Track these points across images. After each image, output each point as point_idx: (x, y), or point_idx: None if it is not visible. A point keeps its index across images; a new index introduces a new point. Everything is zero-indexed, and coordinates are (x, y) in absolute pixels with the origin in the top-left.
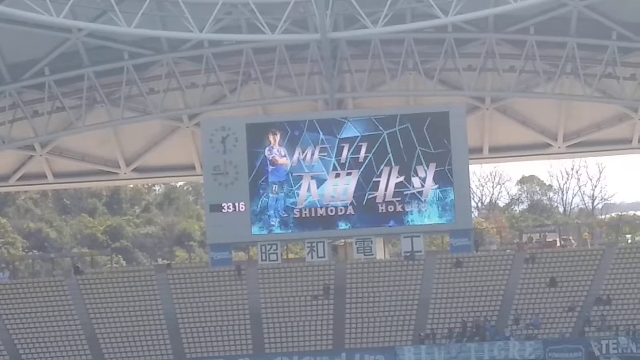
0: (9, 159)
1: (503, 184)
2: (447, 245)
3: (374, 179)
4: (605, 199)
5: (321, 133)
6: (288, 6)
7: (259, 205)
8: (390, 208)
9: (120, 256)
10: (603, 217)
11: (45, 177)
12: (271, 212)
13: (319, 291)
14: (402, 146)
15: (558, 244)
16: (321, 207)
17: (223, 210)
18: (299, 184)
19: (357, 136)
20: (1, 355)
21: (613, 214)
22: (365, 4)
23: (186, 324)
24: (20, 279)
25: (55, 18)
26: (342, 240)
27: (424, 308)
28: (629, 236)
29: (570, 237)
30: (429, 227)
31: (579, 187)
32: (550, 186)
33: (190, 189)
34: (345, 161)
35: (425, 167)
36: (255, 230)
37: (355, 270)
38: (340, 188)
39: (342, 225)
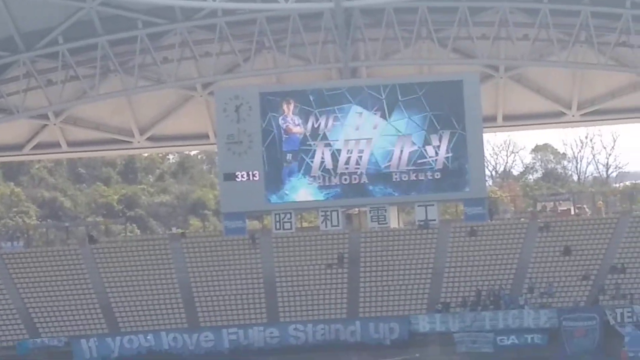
0: (23, 128)
1: (517, 152)
2: (461, 213)
3: (388, 148)
4: (619, 167)
5: (335, 101)
6: None
7: (272, 174)
8: (404, 177)
9: (134, 225)
10: (617, 185)
11: (59, 146)
12: (285, 180)
13: (333, 260)
14: (415, 115)
15: (572, 212)
16: (335, 176)
17: (237, 179)
18: (312, 153)
19: (371, 105)
20: (16, 324)
21: (627, 183)
22: None
23: (200, 292)
24: (34, 248)
25: None
26: (356, 209)
27: (438, 277)
28: None
29: (585, 206)
30: (442, 196)
31: (593, 156)
32: (564, 154)
33: (204, 157)
34: (359, 130)
35: (439, 136)
36: (269, 198)
37: (370, 239)
38: (354, 157)
39: (356, 193)
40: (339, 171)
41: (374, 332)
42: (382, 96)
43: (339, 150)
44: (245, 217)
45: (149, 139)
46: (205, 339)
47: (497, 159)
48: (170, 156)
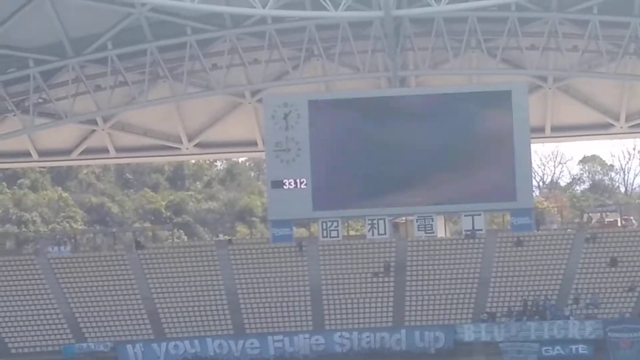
0: (72, 133)
1: (564, 163)
2: (508, 224)
3: (437, 156)
4: None
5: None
6: None
7: (320, 182)
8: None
9: (181, 231)
10: None
11: (108, 151)
12: (333, 188)
13: (380, 268)
14: (465, 125)
15: (619, 223)
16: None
17: (284, 187)
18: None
19: (420, 114)
20: (62, 329)
21: None
22: None
23: (247, 299)
24: (81, 253)
25: None
26: (403, 218)
27: (484, 286)
28: None
29: (632, 217)
30: (490, 206)
31: None
32: (611, 166)
33: (252, 164)
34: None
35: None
36: (315, 206)
37: (416, 247)
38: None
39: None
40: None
41: (419, 340)
42: (430, 106)
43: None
44: (292, 225)
45: (197, 145)
46: (251, 346)
47: (544, 169)
48: (218, 163)
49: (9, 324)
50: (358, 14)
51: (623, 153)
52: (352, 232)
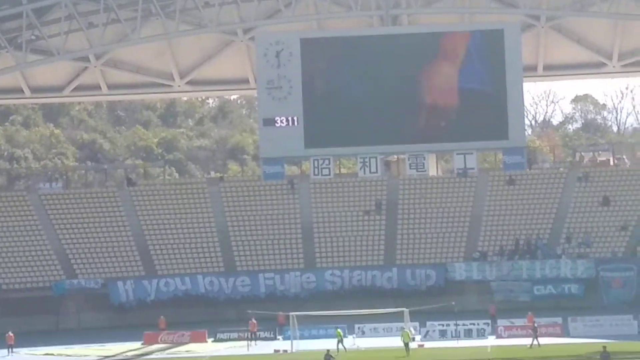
0: (64, 70)
1: (557, 102)
2: (500, 162)
3: (427, 96)
4: None
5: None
6: None
7: (312, 120)
8: (443, 124)
9: (173, 168)
10: None
11: (100, 88)
12: (325, 126)
13: (371, 206)
14: (457, 63)
15: (611, 162)
16: None
17: (276, 124)
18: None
19: (412, 53)
20: (53, 265)
21: None
22: None
23: (237, 237)
24: (73, 189)
25: None
26: (395, 156)
27: (476, 225)
28: None
29: (624, 156)
30: (482, 144)
31: (633, 107)
32: (604, 105)
33: (244, 102)
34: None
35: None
36: (307, 144)
37: (408, 186)
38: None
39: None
40: None
41: (410, 278)
42: (422, 44)
43: None
44: (283, 163)
45: (189, 83)
46: (242, 284)
47: (536, 108)
48: (210, 100)
49: (0, 259)
50: None
51: (615, 92)
52: (343, 170)
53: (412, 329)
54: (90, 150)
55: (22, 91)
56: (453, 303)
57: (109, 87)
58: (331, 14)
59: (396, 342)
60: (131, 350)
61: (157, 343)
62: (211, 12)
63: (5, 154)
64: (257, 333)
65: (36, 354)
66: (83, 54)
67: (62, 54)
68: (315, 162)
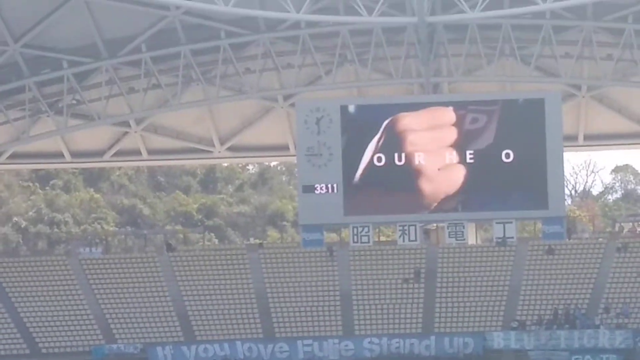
0: (104, 135)
1: (597, 172)
2: (539, 232)
3: (467, 163)
4: None
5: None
6: None
7: (351, 187)
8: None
9: (212, 234)
10: None
11: (140, 153)
12: (364, 194)
13: (410, 274)
14: (498, 132)
15: None
16: None
17: (316, 192)
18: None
19: (452, 121)
20: (92, 329)
21: None
22: None
23: (277, 303)
24: (112, 255)
25: None
26: (434, 225)
27: (515, 294)
28: None
29: None
30: (521, 213)
31: None
32: None
33: (284, 169)
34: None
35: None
36: (347, 211)
37: (447, 254)
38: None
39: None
40: None
41: (448, 346)
42: (462, 112)
43: None
44: (323, 230)
45: (229, 149)
46: (280, 350)
47: (576, 178)
48: (250, 167)
49: (40, 323)
50: (392, 20)
51: None
52: (382, 238)
53: None
54: (130, 215)
55: (62, 156)
56: None
57: (149, 152)
58: (372, 82)
59: None
60: None
61: None
62: (252, 78)
63: (46, 218)
64: None
65: None
66: (123, 119)
67: (102, 119)
68: (355, 229)
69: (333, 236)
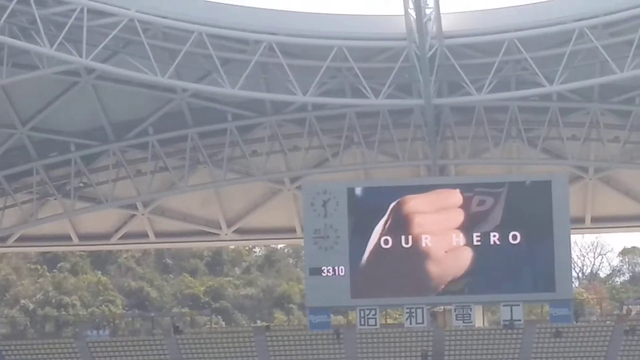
0: (112, 218)
1: (604, 254)
2: (547, 314)
3: (475, 245)
4: None
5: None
6: (392, 71)
7: (358, 270)
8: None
9: (219, 317)
10: None
11: (147, 236)
12: (371, 276)
13: (417, 357)
14: (505, 214)
15: None
16: None
17: (323, 274)
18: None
19: (458, 203)
20: None
21: None
22: (469, 70)
23: None
24: (120, 337)
25: (161, 78)
26: (441, 307)
27: None
28: None
29: None
30: (529, 296)
31: None
32: None
33: (291, 251)
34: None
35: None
36: (353, 294)
37: (454, 337)
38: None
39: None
40: None
41: None
42: (469, 194)
43: None
44: (330, 312)
45: (236, 231)
46: None
47: (584, 260)
48: (257, 249)
49: None
50: (398, 102)
51: None
52: (389, 321)
53: None
54: (137, 297)
55: (70, 238)
56: None
57: (156, 234)
58: (378, 164)
59: None
60: None
61: None
62: (258, 160)
63: (53, 300)
64: None
65: None
66: (131, 202)
67: (110, 202)
68: (362, 312)
69: (340, 319)
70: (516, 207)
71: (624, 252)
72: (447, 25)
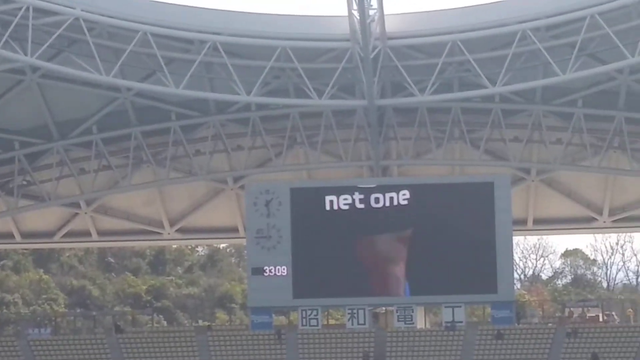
0: (55, 216)
1: (547, 256)
2: (489, 316)
3: (417, 247)
4: None
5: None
6: (336, 72)
7: (300, 270)
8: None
9: (161, 316)
10: None
11: (90, 234)
12: (313, 276)
13: (359, 358)
14: (446, 215)
15: (600, 319)
16: None
17: (265, 274)
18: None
19: (401, 204)
20: None
21: None
22: (413, 71)
23: None
24: (61, 336)
25: (105, 77)
26: (383, 308)
27: None
28: None
29: (613, 313)
30: (470, 298)
31: (624, 263)
32: (594, 260)
33: (233, 251)
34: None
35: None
36: (295, 294)
37: (396, 338)
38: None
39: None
40: None
41: None
42: (412, 195)
43: None
44: (271, 312)
45: (178, 230)
46: None
47: (526, 262)
48: (200, 249)
49: None
50: (342, 103)
51: (606, 248)
52: (331, 321)
53: None
54: (79, 296)
55: (12, 236)
56: None
57: (99, 233)
58: (321, 164)
59: None
60: None
61: None
62: (202, 160)
63: None
64: None
65: None
66: (74, 200)
67: (53, 200)
68: (303, 312)
69: (282, 319)
70: (458, 209)
71: (566, 254)
72: (390, 26)
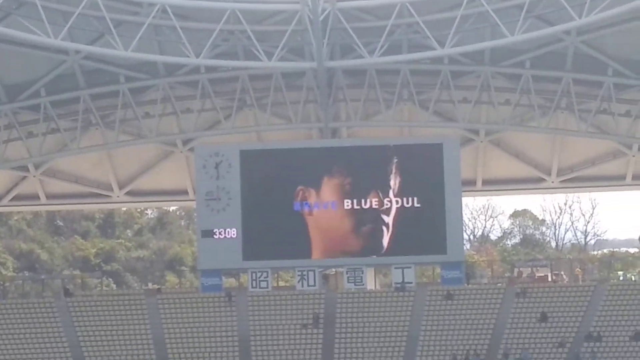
0: (2, 179)
1: (495, 217)
2: (438, 277)
3: (365, 208)
4: (597, 235)
5: (314, 160)
6: (285, 34)
7: (250, 232)
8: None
9: (110, 279)
10: (595, 253)
11: (38, 198)
12: (263, 239)
13: (309, 320)
14: (396, 177)
15: (549, 279)
16: None
17: (214, 236)
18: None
19: (350, 165)
20: None
21: (605, 250)
22: (362, 33)
23: (175, 349)
24: (9, 300)
25: (53, 40)
26: (333, 270)
27: (414, 340)
28: (620, 273)
29: (562, 273)
30: (420, 258)
31: (572, 223)
32: (543, 221)
33: (183, 213)
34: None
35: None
36: (245, 256)
37: (346, 300)
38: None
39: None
40: None
41: None
42: (361, 157)
43: None
44: (221, 275)
45: (128, 193)
46: None
47: (475, 223)
48: (149, 211)
49: None
50: (291, 65)
51: (554, 208)
52: (281, 283)
53: None
54: (27, 260)
55: None
56: None
57: (48, 196)
58: (271, 126)
59: None
60: None
61: None
62: (151, 122)
63: None
64: None
65: None
66: (22, 163)
67: (1, 163)
68: (253, 274)
69: (232, 281)
70: (407, 170)
71: (515, 215)
72: None
